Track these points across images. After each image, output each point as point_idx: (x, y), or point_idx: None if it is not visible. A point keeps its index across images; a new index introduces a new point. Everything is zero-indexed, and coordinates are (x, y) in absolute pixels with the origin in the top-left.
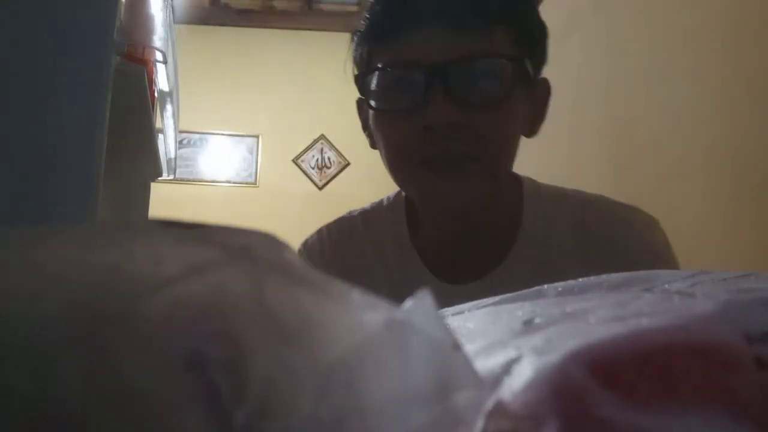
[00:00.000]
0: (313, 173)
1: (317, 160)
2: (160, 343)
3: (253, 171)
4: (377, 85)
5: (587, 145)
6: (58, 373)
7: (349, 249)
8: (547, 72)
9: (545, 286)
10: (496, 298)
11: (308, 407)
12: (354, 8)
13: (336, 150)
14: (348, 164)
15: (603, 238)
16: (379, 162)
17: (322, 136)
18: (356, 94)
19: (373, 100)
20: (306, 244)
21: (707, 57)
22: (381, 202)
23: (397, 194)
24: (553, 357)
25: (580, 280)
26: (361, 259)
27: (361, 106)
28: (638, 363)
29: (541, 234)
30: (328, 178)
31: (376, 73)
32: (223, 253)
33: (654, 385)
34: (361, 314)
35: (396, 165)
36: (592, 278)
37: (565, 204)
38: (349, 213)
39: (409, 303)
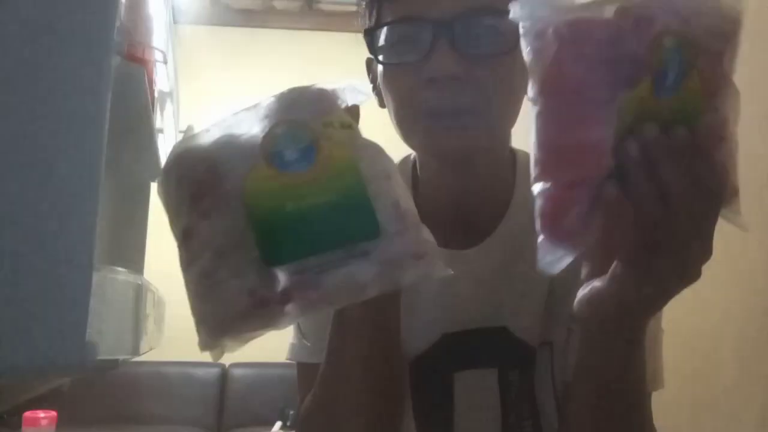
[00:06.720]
0: None
1: None
2: None
3: None
4: (385, 40)
5: None
6: None
7: None
8: None
9: None
10: None
11: None
12: (354, 8)
13: None
14: None
15: None
16: None
17: None
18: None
19: (381, 55)
20: None
21: None
22: None
23: (403, 161)
24: None
25: None
26: None
27: (370, 65)
28: None
29: (532, 204)
30: None
31: (385, 28)
32: None
33: None
34: None
35: (401, 116)
36: None
37: None
38: None
39: None
